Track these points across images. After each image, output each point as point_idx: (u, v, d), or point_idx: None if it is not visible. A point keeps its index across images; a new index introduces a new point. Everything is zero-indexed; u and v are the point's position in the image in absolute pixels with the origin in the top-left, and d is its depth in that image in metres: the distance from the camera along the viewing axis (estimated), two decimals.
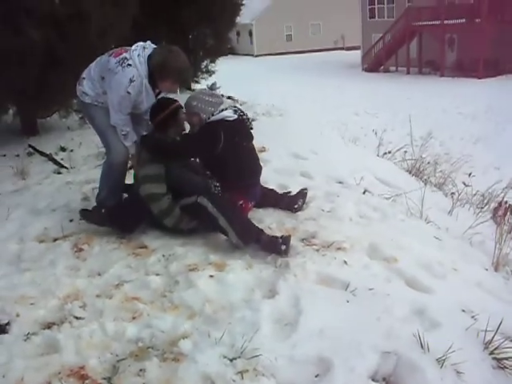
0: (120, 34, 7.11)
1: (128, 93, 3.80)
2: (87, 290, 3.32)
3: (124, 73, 3.76)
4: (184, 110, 4.02)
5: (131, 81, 3.78)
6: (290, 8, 48.55)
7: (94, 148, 6.37)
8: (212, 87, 4.05)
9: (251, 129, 4.16)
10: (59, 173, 5.97)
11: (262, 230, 3.73)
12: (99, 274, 3.51)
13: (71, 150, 6.77)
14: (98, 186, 5.01)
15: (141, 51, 3.85)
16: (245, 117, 4.08)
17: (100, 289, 3.32)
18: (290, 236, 3.63)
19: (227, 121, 3.92)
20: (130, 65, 3.77)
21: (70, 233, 4.10)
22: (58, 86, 6.12)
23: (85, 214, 4.11)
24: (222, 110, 3.97)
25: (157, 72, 3.86)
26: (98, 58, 4.03)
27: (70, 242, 3.97)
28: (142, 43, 3.93)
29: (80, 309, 3.11)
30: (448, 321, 2.92)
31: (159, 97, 4.12)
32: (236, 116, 3.97)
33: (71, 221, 4.29)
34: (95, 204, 4.30)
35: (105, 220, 4.03)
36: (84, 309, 3.12)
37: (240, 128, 4.02)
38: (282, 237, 3.61)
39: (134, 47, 3.88)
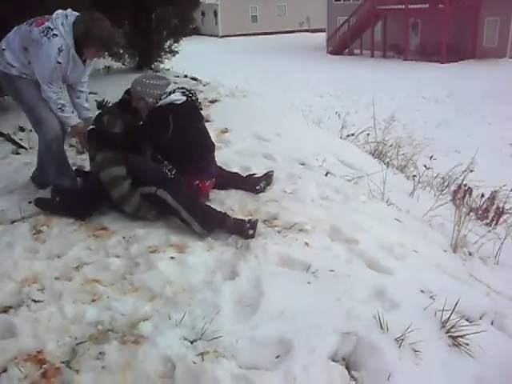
0: (80, 10, 6.93)
1: (58, 63, 3.72)
2: (46, 272, 3.25)
3: (51, 43, 3.67)
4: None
5: (60, 50, 3.70)
6: None
7: None
8: (154, 70, 3.97)
9: (201, 109, 4.11)
10: (17, 153, 5.82)
11: (226, 214, 3.71)
12: (58, 257, 3.44)
13: (30, 130, 6.53)
14: None
15: (64, 19, 3.74)
16: (194, 97, 3.99)
17: (59, 271, 3.26)
18: (257, 220, 3.63)
19: (175, 104, 3.83)
20: (55, 35, 3.67)
21: (28, 214, 4.00)
22: None
23: (40, 202, 4.01)
24: (170, 93, 3.88)
25: (81, 40, 3.78)
26: (16, 28, 3.89)
27: (28, 223, 3.87)
28: (62, 11, 3.82)
29: (38, 292, 3.05)
30: (407, 301, 2.97)
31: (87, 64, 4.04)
32: (184, 98, 3.89)
33: (30, 202, 4.17)
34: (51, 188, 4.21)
35: (60, 209, 3.95)
36: (42, 292, 3.06)
37: (189, 110, 3.95)
38: (249, 221, 3.60)
39: (54, 15, 3.76)
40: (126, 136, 3.88)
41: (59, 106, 3.88)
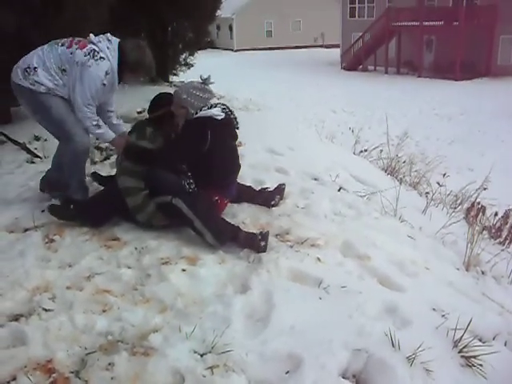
0: (96, 25, 7.01)
1: (103, 85, 3.79)
2: (57, 281, 3.26)
3: (99, 66, 3.73)
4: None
5: (107, 73, 3.78)
6: (271, 4, 48.55)
7: None
8: (205, 81, 3.93)
9: (237, 128, 4.11)
10: (32, 162, 5.86)
11: (238, 228, 3.71)
12: (70, 266, 3.45)
13: (45, 140, 6.63)
14: None
15: (108, 44, 3.82)
16: (232, 116, 4.01)
17: (70, 280, 3.26)
18: (268, 232, 3.63)
19: (215, 119, 3.83)
20: (102, 58, 3.75)
21: (41, 223, 4.02)
22: None
23: (53, 209, 4.03)
24: (211, 107, 3.88)
25: (131, 67, 3.90)
26: (47, 47, 3.89)
27: (41, 232, 3.89)
28: (102, 36, 3.89)
29: (49, 301, 3.05)
30: (419, 319, 2.94)
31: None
32: (223, 115, 3.88)
33: (43, 211, 4.20)
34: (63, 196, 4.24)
35: (74, 215, 3.96)
36: (53, 301, 3.06)
37: (226, 127, 3.96)
38: (260, 233, 3.60)
39: (96, 39, 3.83)
40: (163, 151, 3.86)
41: (94, 123, 3.91)
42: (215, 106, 3.91)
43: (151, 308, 2.98)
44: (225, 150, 3.94)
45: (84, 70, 3.73)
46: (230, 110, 4.02)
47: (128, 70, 3.93)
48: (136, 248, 3.63)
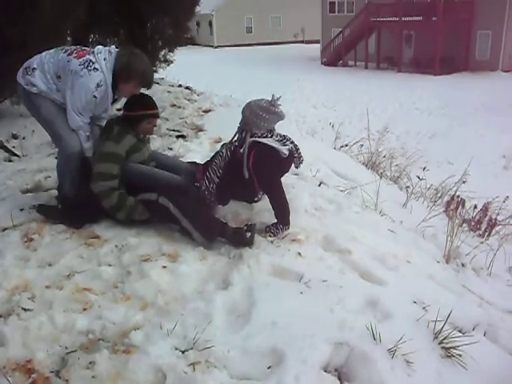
0: (77, 20, 6.94)
1: (94, 97, 3.72)
2: (37, 280, 3.22)
3: (91, 77, 3.66)
4: None
5: (98, 85, 3.70)
6: (251, 0, 48.47)
7: (46, 136, 6.12)
8: (274, 101, 3.81)
9: (298, 166, 4.07)
10: (10, 161, 5.81)
11: (225, 223, 3.72)
12: (50, 265, 3.41)
13: (23, 138, 6.58)
14: (50, 174, 4.92)
15: (107, 55, 3.76)
16: (295, 153, 3.94)
17: (50, 280, 3.23)
18: (255, 224, 3.65)
19: (282, 157, 3.77)
20: (96, 69, 3.68)
21: (20, 222, 3.97)
22: (9, 72, 5.92)
23: (42, 209, 4.01)
24: (281, 139, 3.86)
25: (121, 74, 3.79)
26: (53, 51, 3.86)
27: (19, 231, 3.83)
28: (104, 47, 3.85)
29: (29, 300, 3.02)
30: (400, 312, 2.96)
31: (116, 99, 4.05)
32: (287, 154, 3.81)
33: (22, 210, 4.16)
34: (56, 196, 4.19)
35: (61, 215, 3.94)
36: (33, 300, 3.03)
37: (285, 166, 3.95)
38: (246, 225, 3.63)
39: (97, 49, 3.78)
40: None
41: (87, 134, 3.88)
42: (284, 139, 3.87)
43: (132, 305, 2.96)
44: (272, 185, 3.85)
45: (76, 79, 3.67)
46: (297, 148, 3.95)
47: (119, 78, 3.80)
48: (116, 246, 3.60)
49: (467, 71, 30.61)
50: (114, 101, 4.02)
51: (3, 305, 2.99)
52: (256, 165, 3.70)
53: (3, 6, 5.74)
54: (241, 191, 3.94)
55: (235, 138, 3.95)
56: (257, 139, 3.77)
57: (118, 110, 7.61)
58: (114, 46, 3.90)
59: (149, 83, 3.96)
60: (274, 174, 3.81)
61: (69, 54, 3.76)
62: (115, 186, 3.77)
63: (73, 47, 3.86)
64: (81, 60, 3.69)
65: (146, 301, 2.99)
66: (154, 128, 4.15)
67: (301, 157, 4.00)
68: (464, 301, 3.48)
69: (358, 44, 34.98)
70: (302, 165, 4.07)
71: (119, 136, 3.84)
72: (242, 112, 3.85)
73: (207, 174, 3.89)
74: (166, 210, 3.67)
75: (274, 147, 3.75)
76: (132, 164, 3.87)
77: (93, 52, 3.78)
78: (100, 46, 3.86)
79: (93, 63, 3.69)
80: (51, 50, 3.88)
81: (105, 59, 3.74)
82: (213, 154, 4.74)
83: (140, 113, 3.91)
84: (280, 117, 3.83)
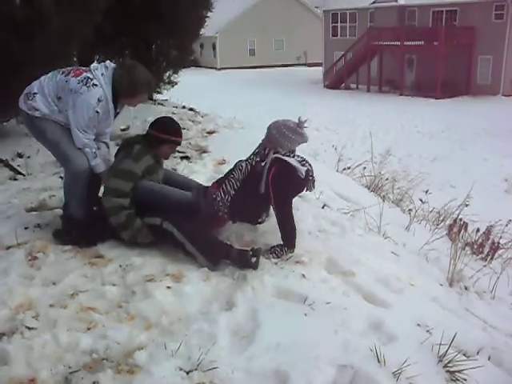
0: (83, 41, 7.02)
1: (97, 112, 3.74)
2: (41, 299, 3.22)
3: (90, 93, 3.69)
4: None
5: (99, 100, 3.72)
6: (254, 23, 48.97)
7: (51, 155, 6.23)
8: (300, 124, 3.87)
9: (310, 189, 4.08)
10: (15, 179, 5.83)
11: (230, 246, 3.73)
12: (54, 284, 3.41)
13: (28, 157, 6.62)
14: (54, 193, 4.94)
15: (104, 70, 3.79)
16: (310, 175, 3.97)
17: (54, 298, 3.23)
18: (260, 248, 3.66)
19: (299, 177, 3.82)
20: (95, 85, 3.71)
21: (24, 240, 3.98)
22: (15, 91, 5.98)
23: (57, 234, 4.02)
24: (301, 160, 3.91)
25: (127, 91, 3.83)
26: (51, 74, 3.90)
27: (24, 249, 3.84)
28: (100, 63, 3.88)
29: (32, 319, 3.01)
30: (404, 335, 2.95)
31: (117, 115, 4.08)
32: (304, 175, 3.85)
33: (26, 228, 4.17)
34: (61, 215, 4.18)
35: (77, 239, 3.94)
36: (37, 319, 3.02)
37: (300, 187, 3.99)
38: (252, 249, 3.63)
39: (93, 66, 3.81)
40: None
41: (94, 151, 3.90)
42: (303, 161, 3.93)
43: (136, 325, 2.96)
44: (285, 204, 3.89)
45: (76, 97, 3.70)
46: (310, 167, 3.99)
47: (126, 95, 3.87)
48: (120, 265, 3.61)
49: (468, 95, 30.79)
50: (116, 114, 4.04)
51: (7, 323, 2.98)
52: (275, 180, 3.73)
53: (11, 26, 5.81)
54: (251, 208, 3.96)
55: (255, 153, 4.01)
56: (279, 156, 3.82)
57: (123, 129, 7.70)
58: (108, 61, 3.92)
59: (153, 90, 4.03)
60: (290, 192, 3.86)
61: (66, 75, 3.80)
62: (126, 205, 3.78)
63: (69, 68, 3.90)
64: (79, 78, 3.73)
65: (150, 321, 2.99)
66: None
67: (314, 180, 4.02)
68: (468, 324, 3.47)
69: (360, 67, 35.21)
70: (314, 189, 4.08)
71: (139, 155, 3.85)
72: (268, 129, 3.90)
73: (223, 186, 3.91)
74: (171, 235, 3.69)
75: (294, 166, 3.80)
76: (144, 181, 3.87)
77: (89, 70, 3.80)
78: (95, 64, 3.88)
79: (91, 80, 3.72)
80: (49, 74, 3.92)
81: (102, 74, 3.77)
82: (217, 175, 4.78)
83: (166, 136, 3.93)
84: (304, 139, 3.89)
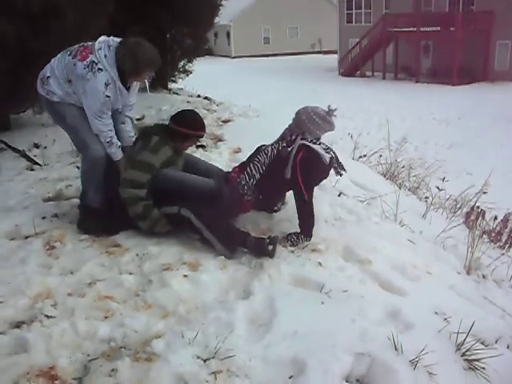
0: (96, 32, 7.02)
1: (107, 97, 3.73)
2: (59, 288, 3.25)
3: (97, 79, 3.67)
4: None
5: (107, 84, 3.70)
6: (268, 11, 48.71)
7: (67, 145, 6.25)
8: (330, 112, 3.91)
9: (340, 174, 4.09)
10: (32, 169, 5.88)
11: (247, 233, 3.73)
12: (71, 273, 3.44)
13: (45, 147, 6.67)
14: (71, 183, 4.98)
15: (107, 51, 3.73)
16: (334, 163, 3.97)
17: (72, 287, 3.26)
18: (276, 237, 3.65)
19: (324, 163, 3.85)
20: (100, 69, 3.67)
21: (42, 230, 4.01)
22: (31, 82, 6.01)
23: (80, 224, 4.05)
24: (326, 148, 3.93)
25: (131, 71, 3.80)
26: (60, 55, 3.87)
27: (42, 239, 3.88)
28: (105, 39, 3.81)
29: (51, 307, 3.04)
30: (421, 323, 2.94)
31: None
32: (328, 162, 3.88)
33: (43, 218, 4.21)
34: (78, 205, 4.20)
35: (101, 229, 3.97)
36: (55, 307, 3.05)
37: (323, 174, 4.02)
38: (269, 237, 3.63)
39: (97, 46, 3.73)
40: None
41: (108, 140, 3.88)
42: (328, 149, 3.94)
43: (153, 314, 2.98)
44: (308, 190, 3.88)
45: (85, 83, 3.69)
46: (337, 157, 4.00)
47: (131, 75, 3.84)
48: (137, 254, 3.63)
49: (486, 81, 30.39)
50: (128, 88, 3.96)
51: (26, 312, 3.02)
52: (302, 165, 3.76)
53: (28, 18, 5.84)
54: (274, 193, 4.01)
55: (281, 138, 4.04)
56: (306, 143, 3.84)
57: (137, 119, 7.72)
58: (112, 38, 3.85)
59: (158, 66, 3.94)
60: (314, 178, 3.90)
61: (74, 57, 3.75)
62: (142, 196, 3.77)
63: (76, 47, 3.83)
64: (85, 63, 3.68)
65: (167, 309, 3.00)
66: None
67: (342, 165, 4.02)
68: (486, 312, 3.45)
69: (376, 54, 34.91)
70: (345, 172, 4.07)
71: (157, 147, 3.84)
72: (297, 115, 3.94)
73: (248, 169, 3.91)
74: (188, 221, 3.69)
75: (320, 153, 3.82)
76: (165, 169, 3.86)
77: (94, 50, 3.71)
78: (101, 39, 3.80)
79: (96, 64, 3.67)
80: (58, 55, 3.90)
81: (105, 56, 3.71)
82: (233, 163, 4.78)
83: (190, 132, 3.93)
84: (332, 127, 3.95)
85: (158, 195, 3.83)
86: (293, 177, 3.76)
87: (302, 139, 3.86)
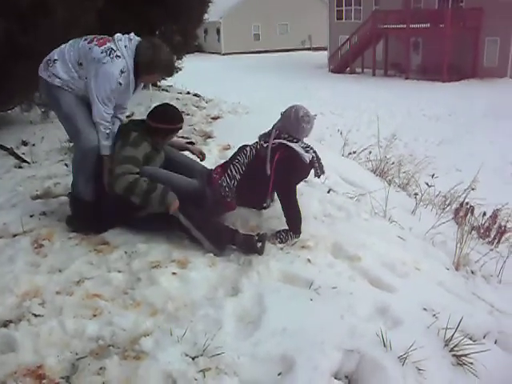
0: (86, 28, 6.99)
1: (120, 84, 3.73)
2: (47, 286, 3.23)
3: (114, 64, 3.67)
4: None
5: (122, 72, 3.71)
6: (258, 7, 48.67)
7: (56, 142, 6.26)
8: (311, 117, 3.92)
9: (318, 176, 4.08)
10: (20, 167, 5.84)
11: (236, 230, 3.72)
12: (60, 271, 3.42)
13: (33, 145, 6.62)
14: (59, 181, 4.95)
15: (127, 42, 3.77)
16: (315, 163, 3.95)
17: (60, 285, 3.24)
18: (266, 234, 3.65)
19: (304, 163, 3.82)
20: (118, 56, 3.69)
21: (30, 228, 3.99)
22: (20, 79, 5.98)
23: (70, 222, 4.00)
24: (305, 146, 3.90)
25: (146, 67, 3.83)
26: (72, 41, 3.87)
27: (30, 237, 3.85)
28: (124, 35, 3.84)
29: (39, 306, 3.02)
30: (410, 319, 2.95)
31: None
32: (308, 161, 3.85)
33: (31, 216, 4.18)
34: (70, 200, 4.15)
35: (89, 226, 3.93)
36: (43, 306, 3.03)
37: (303, 173, 4.00)
38: (257, 234, 3.62)
39: (117, 37, 3.78)
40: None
41: (108, 132, 3.86)
42: (308, 148, 3.92)
43: (142, 312, 2.97)
44: (289, 189, 3.90)
45: (99, 66, 3.68)
46: (317, 156, 3.98)
47: (143, 71, 3.86)
48: (126, 252, 3.61)
49: (475, 78, 30.53)
50: (134, 89, 3.99)
51: (14, 310, 3.00)
52: (279, 165, 3.74)
53: (16, 14, 5.79)
54: (256, 192, 3.96)
55: (262, 137, 4.03)
56: (284, 141, 3.83)
57: (127, 116, 7.68)
58: (133, 34, 3.89)
59: (171, 74, 4.04)
60: (293, 177, 3.86)
61: (89, 42, 3.77)
62: (138, 177, 3.67)
63: (92, 36, 3.86)
64: (102, 48, 3.71)
65: (155, 307, 2.99)
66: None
67: (322, 166, 4.00)
68: (474, 308, 3.46)
69: (366, 51, 34.97)
70: (323, 174, 4.07)
71: (137, 141, 3.81)
72: (286, 114, 3.92)
73: (228, 171, 3.90)
74: (176, 221, 3.67)
75: (298, 152, 3.79)
76: (148, 167, 3.83)
77: (113, 39, 3.78)
78: (119, 34, 3.85)
79: (114, 51, 3.70)
80: (70, 41, 3.90)
81: (126, 46, 3.75)
82: (222, 160, 4.77)
83: (167, 126, 3.91)
84: (309, 132, 3.97)
85: None
86: (271, 175, 3.76)
87: (280, 138, 3.84)
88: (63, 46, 3.89)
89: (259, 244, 3.53)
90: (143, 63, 3.80)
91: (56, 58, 3.82)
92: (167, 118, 3.94)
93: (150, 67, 3.85)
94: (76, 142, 3.99)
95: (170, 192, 3.66)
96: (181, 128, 4.05)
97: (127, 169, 3.71)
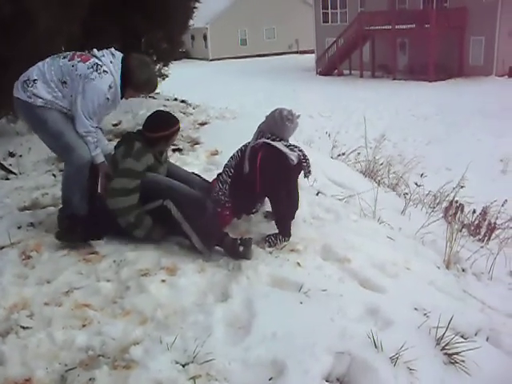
0: (70, 36, 6.96)
1: (107, 99, 3.72)
2: (35, 298, 3.20)
3: (102, 79, 3.66)
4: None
5: (110, 87, 3.70)
6: (245, 12, 48.72)
7: (43, 153, 6.20)
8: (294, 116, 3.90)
9: (307, 176, 4.03)
10: (7, 179, 5.79)
11: (226, 233, 3.71)
12: (48, 282, 3.38)
13: (20, 156, 6.58)
14: (47, 191, 4.91)
15: (111, 58, 3.76)
16: (303, 161, 3.91)
17: (49, 297, 3.21)
18: (250, 239, 3.62)
19: (290, 163, 3.77)
20: (106, 71, 3.68)
21: (17, 240, 3.95)
22: (5, 90, 5.93)
23: (60, 235, 3.91)
24: (290, 145, 3.87)
25: (135, 85, 3.85)
26: (50, 60, 3.80)
27: (17, 249, 3.81)
28: (104, 50, 3.82)
29: (27, 318, 2.99)
30: (401, 319, 2.95)
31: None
32: (296, 160, 3.80)
33: (19, 228, 4.14)
34: (60, 213, 4.10)
35: (82, 237, 3.87)
36: (31, 318, 3.00)
37: (293, 174, 3.96)
38: (240, 239, 3.60)
39: (99, 54, 3.76)
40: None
41: (95, 140, 3.84)
42: (294, 148, 3.89)
43: (131, 320, 2.94)
44: (275, 189, 3.86)
45: (87, 82, 3.65)
46: (305, 155, 3.93)
47: (132, 87, 3.86)
48: (114, 261, 3.58)
49: (462, 77, 30.71)
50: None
51: (1, 323, 2.96)
52: (263, 164, 3.73)
53: None
54: (245, 195, 3.91)
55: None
56: (267, 141, 3.81)
57: (114, 125, 7.66)
58: (113, 49, 3.87)
59: (152, 92, 4.05)
60: (278, 177, 3.79)
61: (70, 60, 3.73)
62: (134, 203, 3.72)
63: (70, 53, 3.82)
64: (88, 64, 3.68)
65: (145, 315, 2.97)
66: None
67: (309, 166, 3.97)
68: (465, 306, 3.47)
69: (353, 53, 35.08)
70: (310, 175, 4.02)
71: (139, 154, 3.76)
72: (271, 114, 3.93)
73: (220, 176, 3.94)
74: (169, 213, 3.65)
75: (282, 151, 3.77)
76: (150, 173, 3.80)
77: (94, 56, 3.76)
78: (95, 50, 3.82)
79: (101, 66, 3.69)
80: (47, 59, 3.83)
81: (111, 62, 3.74)
82: (210, 166, 4.77)
83: (167, 133, 3.88)
84: (292, 132, 3.97)
85: (144, 199, 3.78)
86: (253, 176, 3.75)
87: (267, 138, 3.84)
88: (40, 64, 3.81)
89: (241, 248, 3.51)
90: (136, 81, 3.81)
91: (35, 77, 3.73)
92: (165, 124, 3.91)
93: (140, 85, 3.88)
94: (68, 158, 3.92)
95: (156, 228, 3.77)
96: (179, 128, 4.04)
97: (123, 184, 3.70)
